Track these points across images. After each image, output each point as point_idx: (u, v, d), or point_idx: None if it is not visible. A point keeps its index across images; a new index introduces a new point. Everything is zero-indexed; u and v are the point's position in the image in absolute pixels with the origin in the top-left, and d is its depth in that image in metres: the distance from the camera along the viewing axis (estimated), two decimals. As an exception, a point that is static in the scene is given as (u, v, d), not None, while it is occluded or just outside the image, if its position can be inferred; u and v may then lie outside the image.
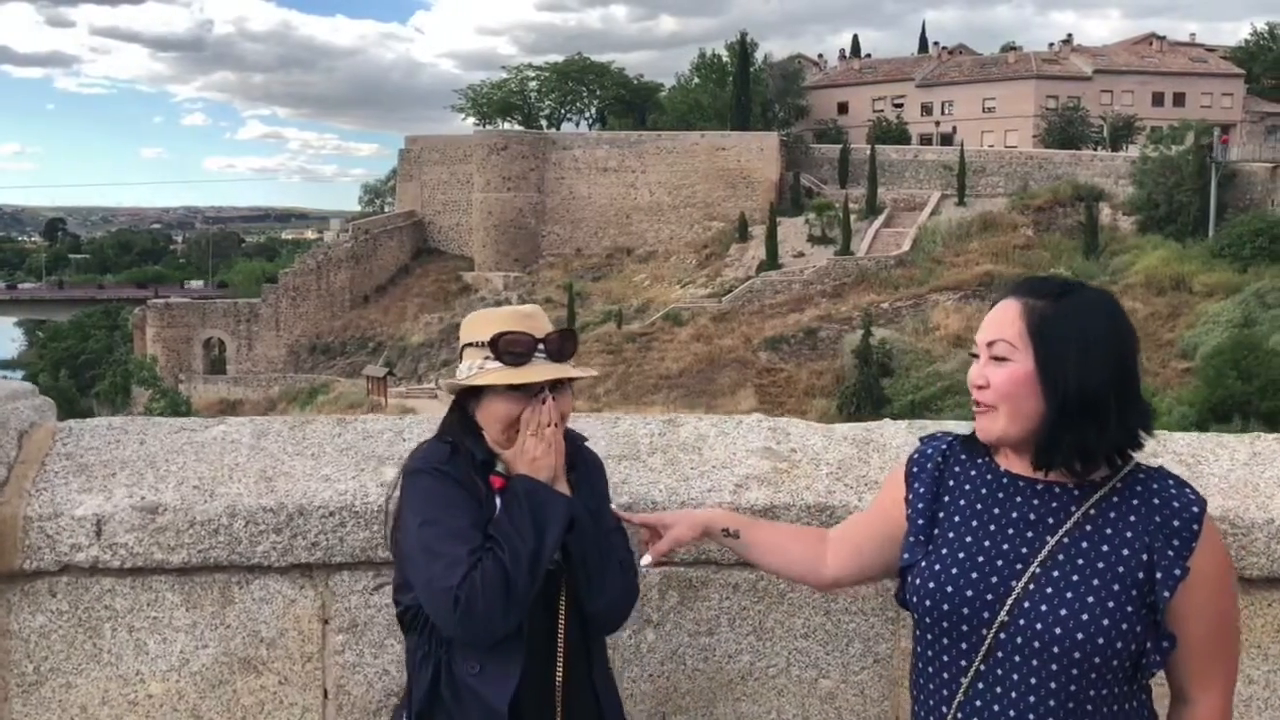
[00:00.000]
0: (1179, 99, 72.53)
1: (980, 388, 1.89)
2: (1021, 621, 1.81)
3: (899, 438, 2.77)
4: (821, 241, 60.60)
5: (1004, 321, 1.87)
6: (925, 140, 73.15)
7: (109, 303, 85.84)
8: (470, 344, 2.17)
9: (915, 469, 2.04)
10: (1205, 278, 49.68)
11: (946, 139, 72.82)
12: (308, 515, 2.44)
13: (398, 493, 2.11)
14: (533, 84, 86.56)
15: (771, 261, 59.26)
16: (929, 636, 1.93)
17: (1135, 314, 48.54)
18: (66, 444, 2.55)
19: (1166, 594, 1.80)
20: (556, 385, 2.17)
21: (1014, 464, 1.92)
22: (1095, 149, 67.04)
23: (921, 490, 2.00)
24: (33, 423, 2.59)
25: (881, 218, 61.76)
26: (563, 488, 2.08)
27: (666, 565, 2.52)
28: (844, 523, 2.24)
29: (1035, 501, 1.88)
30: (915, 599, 1.92)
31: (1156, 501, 1.85)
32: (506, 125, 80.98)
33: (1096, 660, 1.78)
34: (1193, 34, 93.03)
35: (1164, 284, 50.27)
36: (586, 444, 2.30)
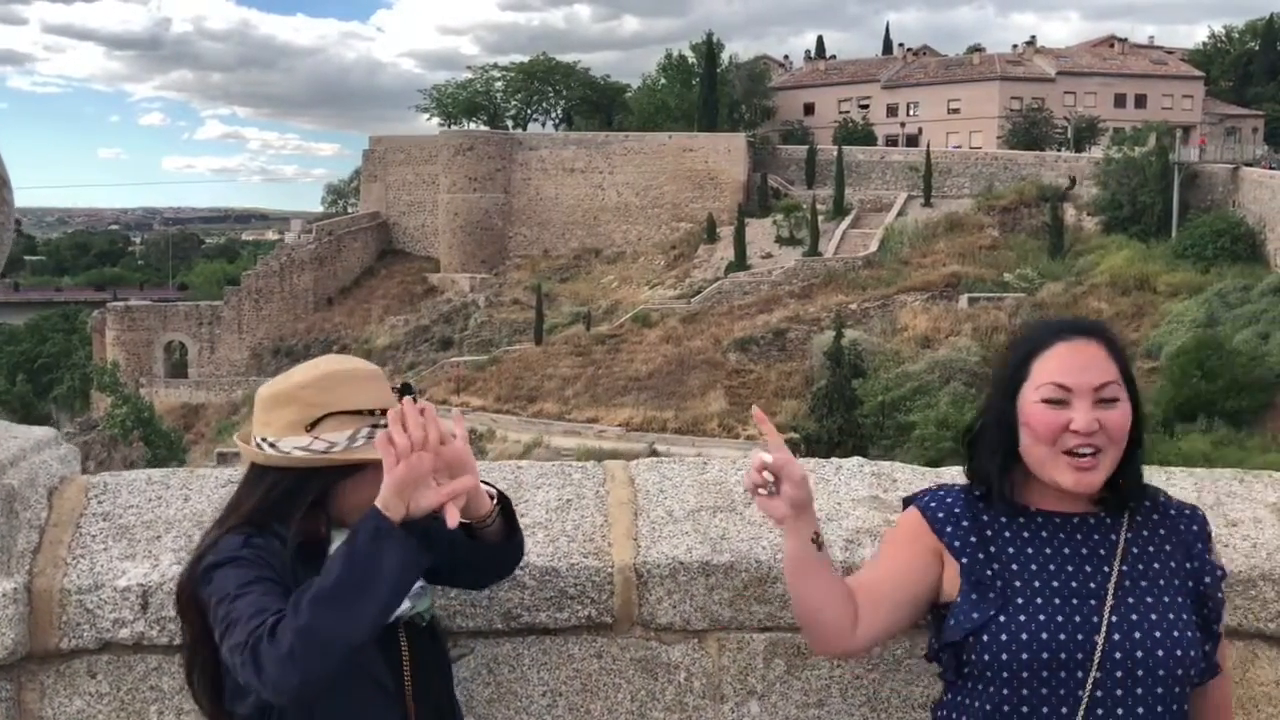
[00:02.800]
0: (1141, 100, 73.34)
1: (1090, 434, 1.86)
2: (1118, 654, 1.84)
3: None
4: (789, 242, 60.66)
5: (1102, 363, 1.90)
6: (891, 141, 73.45)
7: (66, 305, 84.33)
8: (342, 412, 1.86)
9: (946, 525, 1.95)
10: (1169, 278, 50.20)
11: (912, 140, 73.15)
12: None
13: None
14: (498, 84, 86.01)
15: (740, 263, 59.23)
16: (1022, 691, 1.86)
17: (1101, 314, 49.03)
18: (102, 502, 2.27)
19: (1220, 595, 1.94)
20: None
21: (1045, 501, 1.93)
22: (1059, 150, 67.61)
23: (964, 545, 1.93)
24: (62, 477, 2.31)
25: (849, 219, 61.92)
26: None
27: (772, 630, 2.29)
28: (864, 580, 2.00)
29: (1079, 536, 1.92)
30: (1004, 655, 1.85)
31: (1172, 513, 1.98)
32: (472, 125, 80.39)
33: (1192, 672, 1.87)
34: (1151, 36, 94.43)
35: (1128, 284, 50.74)
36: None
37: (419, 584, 1.89)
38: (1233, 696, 2.10)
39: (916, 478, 2.52)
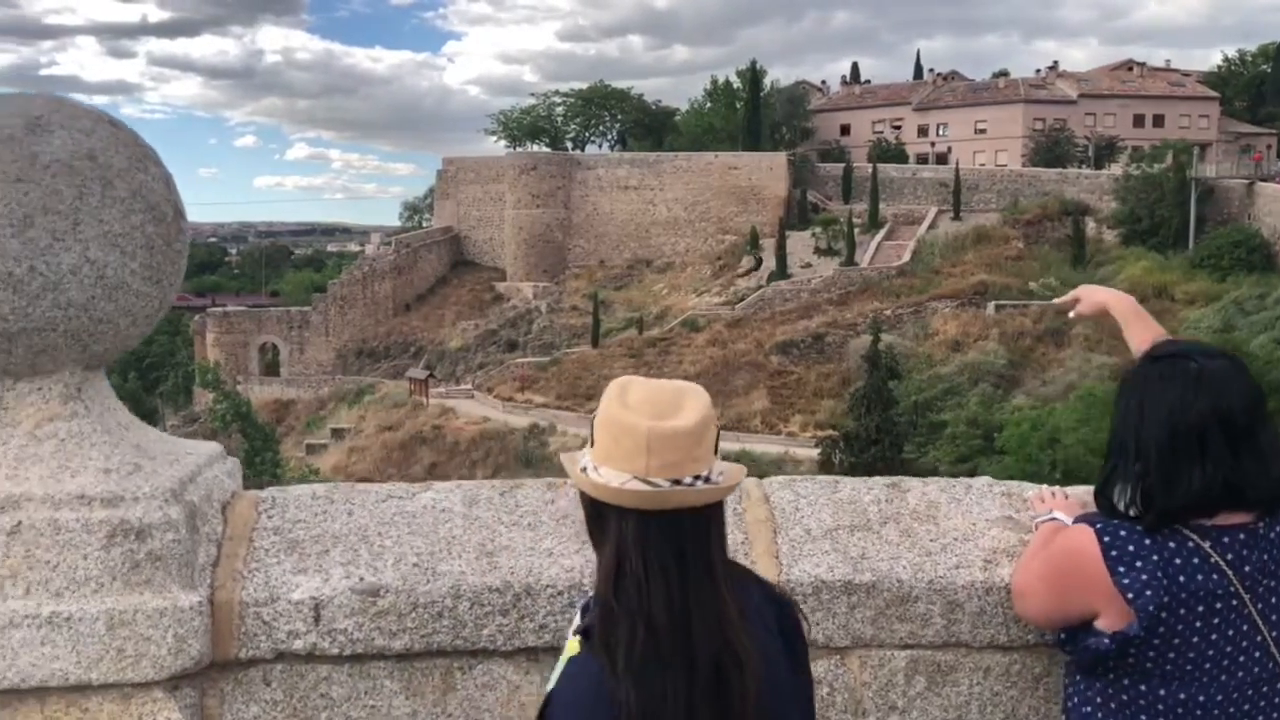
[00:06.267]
0: (1159, 120, 71.76)
1: None
2: None
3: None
4: (827, 253, 60.20)
5: None
6: (922, 159, 72.60)
7: (171, 310, 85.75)
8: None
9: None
10: (1186, 287, 49.07)
11: (941, 158, 72.24)
12: (535, 595, 2.08)
13: None
14: (559, 109, 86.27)
15: (781, 272, 58.87)
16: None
17: (1121, 320, 48.12)
18: (271, 516, 2.19)
19: None
20: None
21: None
22: (1080, 167, 66.37)
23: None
24: (232, 492, 2.23)
25: (883, 231, 61.34)
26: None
27: (914, 648, 2.16)
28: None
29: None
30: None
31: None
32: (535, 147, 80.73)
33: None
34: (1168, 60, 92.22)
35: (1147, 293, 49.53)
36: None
37: None
38: None
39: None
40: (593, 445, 1.55)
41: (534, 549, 2.17)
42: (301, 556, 2.10)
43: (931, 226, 61.53)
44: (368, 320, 67.31)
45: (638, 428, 1.48)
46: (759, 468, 43.66)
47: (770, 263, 60.19)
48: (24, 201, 1.89)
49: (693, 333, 55.87)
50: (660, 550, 1.48)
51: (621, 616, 1.46)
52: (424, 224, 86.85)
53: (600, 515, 1.53)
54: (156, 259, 2.05)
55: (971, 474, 26.58)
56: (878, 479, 2.41)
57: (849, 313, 54.50)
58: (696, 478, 1.50)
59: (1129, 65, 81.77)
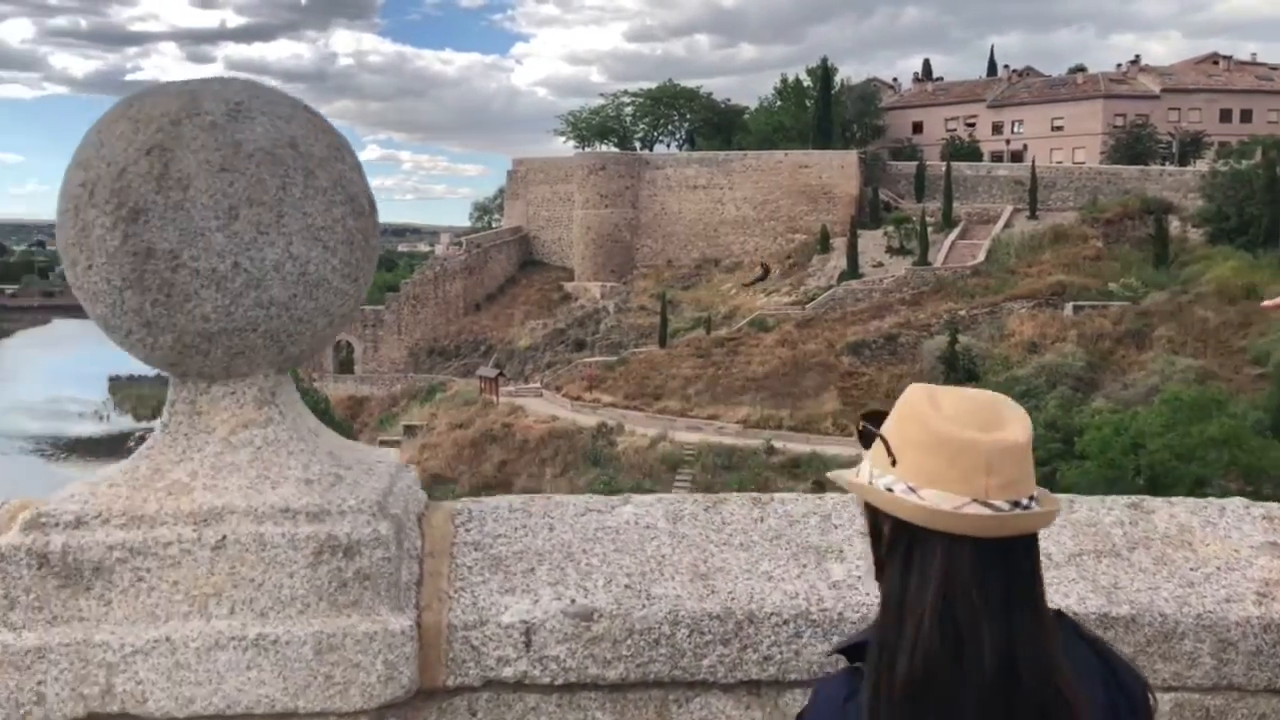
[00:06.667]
0: (1246, 115, 69.27)
1: None
2: None
3: None
4: (899, 252, 59.23)
5: None
6: (996, 157, 71.10)
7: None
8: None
9: None
10: (1277, 287, 47.23)
11: (1016, 156, 70.67)
12: (758, 623, 1.90)
13: None
14: (628, 109, 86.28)
15: (852, 271, 58.06)
16: None
17: (1207, 322, 46.46)
18: (469, 530, 2.03)
19: None
20: None
21: None
22: (1163, 164, 64.36)
23: None
24: (424, 503, 2.09)
25: (957, 230, 60.17)
26: None
27: (1178, 690, 1.93)
28: None
29: None
30: None
31: None
32: (604, 147, 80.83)
33: None
34: (1254, 54, 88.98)
35: (1235, 293, 47.92)
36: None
37: None
38: None
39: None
40: (894, 461, 1.35)
41: (751, 571, 1.99)
42: (507, 575, 1.94)
43: (1007, 225, 60.19)
44: (439, 319, 68.01)
45: (976, 444, 1.29)
46: (831, 470, 43.22)
47: (841, 262, 59.43)
48: (229, 192, 1.76)
49: (761, 333, 55.36)
50: (992, 583, 1.29)
51: (941, 656, 1.27)
52: (493, 224, 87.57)
53: (912, 543, 1.33)
54: (355, 254, 1.92)
55: (1050, 478, 25.54)
56: (1116, 498, 2.18)
57: (922, 313, 53.56)
58: (1031, 499, 1.31)
59: (1214, 59, 79.07)
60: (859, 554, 2.03)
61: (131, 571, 1.74)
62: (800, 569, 1.99)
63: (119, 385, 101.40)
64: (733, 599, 1.92)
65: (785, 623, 1.90)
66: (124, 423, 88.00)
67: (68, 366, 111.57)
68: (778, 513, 2.13)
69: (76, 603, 1.73)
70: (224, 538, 1.76)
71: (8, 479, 67.91)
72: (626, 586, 1.93)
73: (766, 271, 64.66)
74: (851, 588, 1.95)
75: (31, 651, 1.70)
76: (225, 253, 1.76)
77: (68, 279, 1.88)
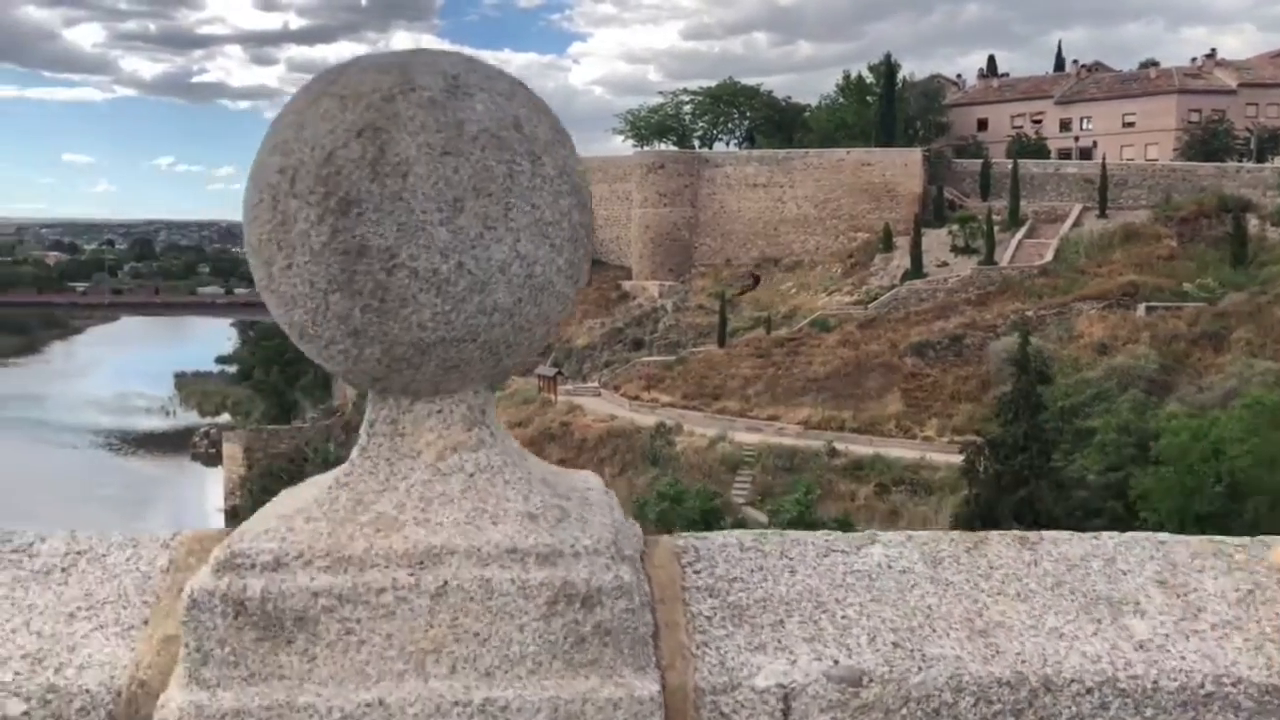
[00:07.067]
0: (1329, 110, 67.00)
1: None
2: None
3: None
4: (964, 252, 58.22)
5: None
6: (1063, 154, 69.55)
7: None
8: None
9: None
10: (1363, 288, 45.54)
11: (1085, 153, 69.08)
12: (1056, 692, 1.60)
13: None
14: (687, 107, 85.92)
15: (916, 270, 57.16)
16: None
17: (1290, 322, 44.89)
18: (699, 572, 1.76)
19: None
20: None
21: None
22: (1241, 161, 62.38)
23: None
24: (643, 538, 1.81)
25: (1023, 229, 59.00)
26: None
27: None
28: None
29: None
30: None
31: None
32: (662, 146, 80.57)
33: None
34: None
35: (1318, 294, 46.33)
36: None
37: None
38: None
39: None
40: None
41: (1036, 627, 1.69)
42: (754, 628, 1.66)
43: (1075, 224, 58.86)
44: (497, 317, 68.24)
45: None
46: (894, 473, 42.46)
47: (904, 261, 58.52)
48: (454, 181, 1.49)
49: (823, 333, 54.72)
50: None
51: None
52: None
53: None
54: (579, 253, 1.65)
55: (1124, 483, 24.63)
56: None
57: (988, 313, 52.54)
58: None
59: (1293, 52, 76.51)
60: (1159, 608, 1.72)
61: (339, 623, 1.49)
62: (1095, 625, 1.68)
63: (184, 381, 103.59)
64: (1022, 661, 1.62)
65: (1088, 691, 1.60)
66: (189, 418, 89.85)
67: (135, 363, 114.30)
68: (1051, 554, 1.82)
69: (277, 658, 1.49)
70: (445, 583, 1.50)
71: (82, 471, 69.56)
72: (894, 644, 1.64)
73: (756, 281, 64.21)
74: (1162, 649, 1.65)
75: (229, 714, 1.46)
76: (448, 251, 1.50)
77: (257, 280, 1.64)
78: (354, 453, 1.64)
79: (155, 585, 1.68)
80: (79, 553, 1.72)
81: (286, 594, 1.47)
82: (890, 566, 1.79)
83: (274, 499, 1.72)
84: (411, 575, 1.50)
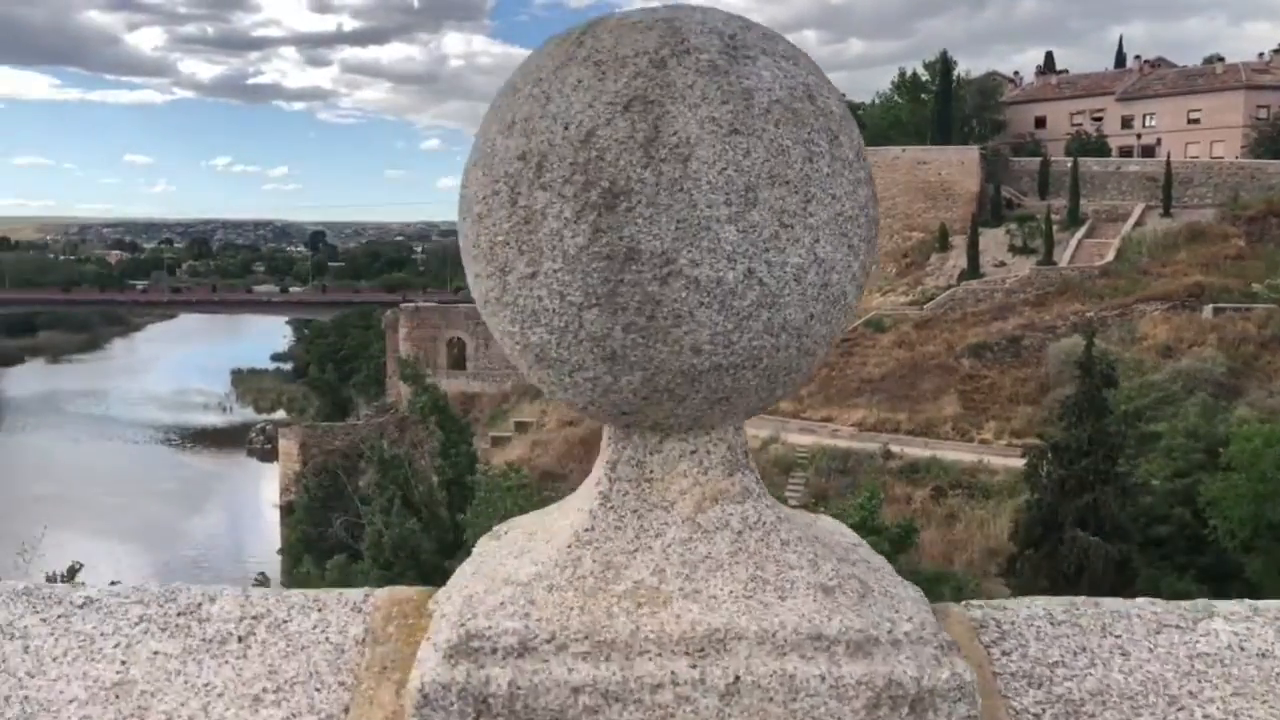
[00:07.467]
0: (1403, 105, 64.57)
1: None
2: None
3: None
4: (1023, 251, 57.02)
5: None
6: (1125, 152, 67.83)
7: (364, 305, 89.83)
8: None
9: None
10: None
11: (1148, 151, 67.30)
12: None
13: None
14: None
15: (973, 271, 56.09)
16: None
17: (1366, 326, 43.30)
18: (1008, 653, 1.42)
19: None
20: None
21: None
22: (1312, 158, 60.41)
23: None
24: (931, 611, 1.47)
25: (1083, 228, 57.59)
26: None
27: None
28: None
29: None
30: None
31: None
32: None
33: None
34: None
35: (1396, 296, 44.70)
36: None
37: None
38: None
39: None
40: None
41: None
42: (1099, 732, 1.32)
43: (1138, 224, 57.32)
44: (549, 316, 68.23)
45: None
46: (951, 476, 41.63)
47: (960, 261, 57.46)
48: (744, 166, 1.17)
49: (877, 333, 53.90)
50: None
51: None
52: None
53: None
54: (871, 257, 1.32)
55: (1191, 489, 24.05)
56: None
57: (1047, 314, 51.39)
58: None
59: (1366, 46, 73.93)
60: None
61: (605, 726, 1.18)
62: None
63: (240, 378, 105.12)
64: None
65: None
66: (245, 414, 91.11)
67: (193, 359, 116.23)
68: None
69: (526, 770, 1.18)
70: (736, 679, 1.18)
71: (142, 466, 70.84)
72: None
73: None
74: None
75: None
76: (737, 255, 1.17)
77: (480, 291, 1.33)
78: (592, 501, 1.32)
79: (351, 662, 1.37)
80: (255, 617, 1.42)
81: (540, 689, 1.16)
82: (1240, 648, 1.43)
83: (481, 548, 1.40)
84: (694, 667, 1.17)
